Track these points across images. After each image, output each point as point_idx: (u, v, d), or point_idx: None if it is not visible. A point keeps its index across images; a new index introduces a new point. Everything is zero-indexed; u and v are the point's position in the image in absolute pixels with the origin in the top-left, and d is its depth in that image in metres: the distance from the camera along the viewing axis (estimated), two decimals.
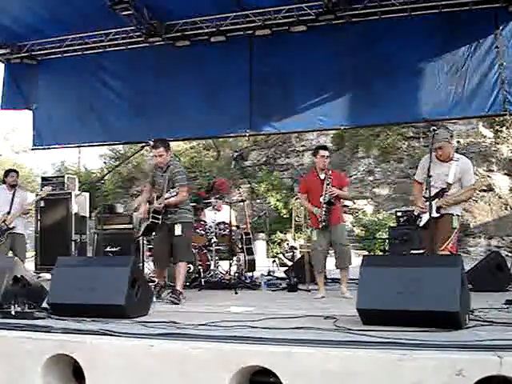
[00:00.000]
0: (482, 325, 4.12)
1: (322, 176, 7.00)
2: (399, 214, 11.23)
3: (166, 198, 6.67)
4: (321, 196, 6.86)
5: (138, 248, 9.46)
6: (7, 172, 8.91)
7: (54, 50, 10.85)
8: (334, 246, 6.99)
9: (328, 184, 6.85)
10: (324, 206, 6.81)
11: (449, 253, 5.94)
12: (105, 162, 32.71)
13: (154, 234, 7.18)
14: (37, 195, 9.32)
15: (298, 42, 9.60)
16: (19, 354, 3.83)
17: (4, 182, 8.80)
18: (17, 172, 8.96)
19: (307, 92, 9.75)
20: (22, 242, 8.73)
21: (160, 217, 6.76)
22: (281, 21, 9.49)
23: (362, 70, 9.36)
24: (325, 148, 7.32)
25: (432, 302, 3.91)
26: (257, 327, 4.07)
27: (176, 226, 6.79)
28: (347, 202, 17.62)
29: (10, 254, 8.57)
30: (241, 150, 23.49)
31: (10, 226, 8.46)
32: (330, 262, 7.23)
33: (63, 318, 4.54)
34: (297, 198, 11.01)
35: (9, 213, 8.48)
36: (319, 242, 6.96)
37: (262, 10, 9.49)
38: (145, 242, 9.39)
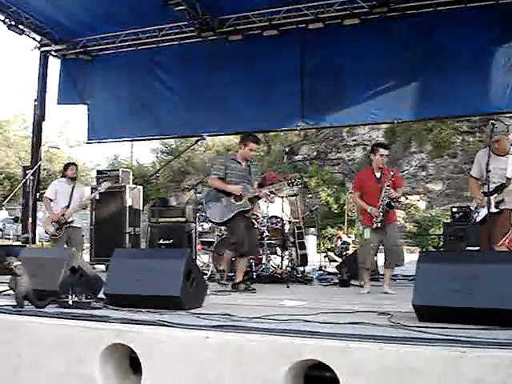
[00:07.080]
0: None
1: (378, 175, 6.74)
2: (454, 209, 10.95)
3: (270, 191, 7.02)
4: (378, 198, 6.58)
5: (191, 241, 9.54)
6: (67, 165, 9.08)
7: (108, 46, 11.10)
8: (387, 246, 6.82)
9: (388, 186, 6.58)
10: (382, 207, 6.56)
11: (506, 249, 5.81)
12: (157, 157, 33.29)
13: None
14: (93, 190, 9.53)
15: (351, 34, 9.51)
16: (78, 342, 3.89)
17: (64, 175, 8.99)
18: (76, 165, 9.13)
19: (360, 85, 9.67)
20: (78, 234, 8.92)
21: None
22: (334, 14, 9.42)
23: (416, 63, 9.22)
24: (386, 147, 7.01)
25: (491, 299, 3.81)
26: (311, 321, 4.02)
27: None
28: None
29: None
30: (291, 144, 23.46)
31: (69, 220, 8.62)
32: (380, 259, 7.11)
33: (119, 309, 4.60)
34: (350, 193, 10.91)
35: (67, 207, 8.61)
36: (371, 240, 6.74)
37: (314, 4, 9.43)
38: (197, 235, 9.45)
